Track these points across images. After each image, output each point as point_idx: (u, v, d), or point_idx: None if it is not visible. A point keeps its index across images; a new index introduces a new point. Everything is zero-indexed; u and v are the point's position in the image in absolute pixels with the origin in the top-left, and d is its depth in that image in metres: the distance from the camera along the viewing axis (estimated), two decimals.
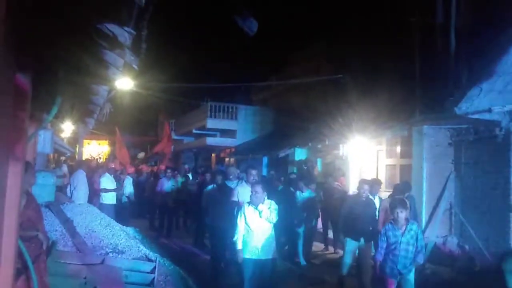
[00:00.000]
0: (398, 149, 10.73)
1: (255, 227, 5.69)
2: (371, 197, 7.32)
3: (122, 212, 11.07)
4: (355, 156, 11.87)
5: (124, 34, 1.85)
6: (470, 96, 7.77)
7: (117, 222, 7.00)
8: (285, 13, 15.40)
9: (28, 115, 2.78)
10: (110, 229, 6.08)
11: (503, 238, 7.88)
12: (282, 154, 15.17)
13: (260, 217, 5.65)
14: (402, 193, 7.25)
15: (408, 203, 5.45)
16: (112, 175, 11.05)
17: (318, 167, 13.66)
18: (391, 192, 8.13)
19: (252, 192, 5.78)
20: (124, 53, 2.08)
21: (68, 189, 9.75)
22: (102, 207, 9.39)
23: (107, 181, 10.55)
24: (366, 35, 10.84)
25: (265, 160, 17.25)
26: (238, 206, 6.40)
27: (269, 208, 5.69)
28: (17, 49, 2.18)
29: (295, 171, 12.46)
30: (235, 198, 7.00)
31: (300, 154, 14.55)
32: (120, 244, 5.70)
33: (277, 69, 20.63)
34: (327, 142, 12.43)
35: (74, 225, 5.78)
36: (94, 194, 10.16)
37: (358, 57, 11.53)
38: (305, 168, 12.55)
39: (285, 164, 15.22)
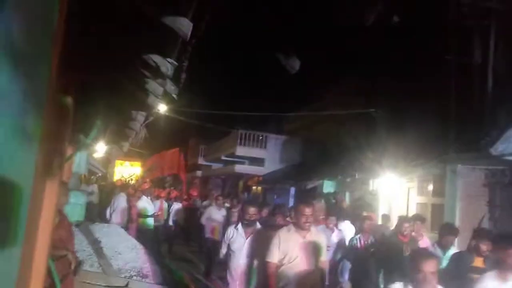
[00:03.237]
0: (430, 187, 10.46)
1: None
2: None
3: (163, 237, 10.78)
4: (385, 192, 11.64)
5: (166, 65, 1.92)
6: (508, 137, 7.59)
7: (150, 247, 6.93)
8: (321, 47, 15.53)
9: (69, 137, 2.86)
10: (136, 252, 6.12)
11: None
12: (310, 185, 15.01)
13: None
14: None
15: None
16: (149, 197, 10.79)
17: (346, 200, 13.44)
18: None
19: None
20: (165, 83, 2.14)
21: (107, 211, 9.78)
22: (139, 231, 9.31)
23: (144, 204, 10.24)
24: (401, 70, 10.78)
25: (292, 191, 17.10)
26: None
27: None
28: (64, 72, 2.27)
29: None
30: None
31: (328, 186, 14.36)
32: (145, 267, 5.72)
33: (309, 100, 20.68)
34: (356, 176, 12.26)
35: (101, 245, 5.85)
36: (131, 219, 9.84)
37: (391, 92, 11.46)
38: (333, 201, 12.37)
39: (313, 196, 15.04)
